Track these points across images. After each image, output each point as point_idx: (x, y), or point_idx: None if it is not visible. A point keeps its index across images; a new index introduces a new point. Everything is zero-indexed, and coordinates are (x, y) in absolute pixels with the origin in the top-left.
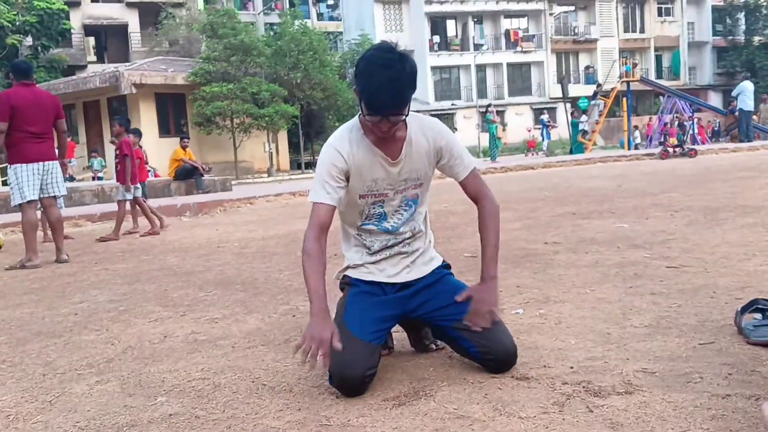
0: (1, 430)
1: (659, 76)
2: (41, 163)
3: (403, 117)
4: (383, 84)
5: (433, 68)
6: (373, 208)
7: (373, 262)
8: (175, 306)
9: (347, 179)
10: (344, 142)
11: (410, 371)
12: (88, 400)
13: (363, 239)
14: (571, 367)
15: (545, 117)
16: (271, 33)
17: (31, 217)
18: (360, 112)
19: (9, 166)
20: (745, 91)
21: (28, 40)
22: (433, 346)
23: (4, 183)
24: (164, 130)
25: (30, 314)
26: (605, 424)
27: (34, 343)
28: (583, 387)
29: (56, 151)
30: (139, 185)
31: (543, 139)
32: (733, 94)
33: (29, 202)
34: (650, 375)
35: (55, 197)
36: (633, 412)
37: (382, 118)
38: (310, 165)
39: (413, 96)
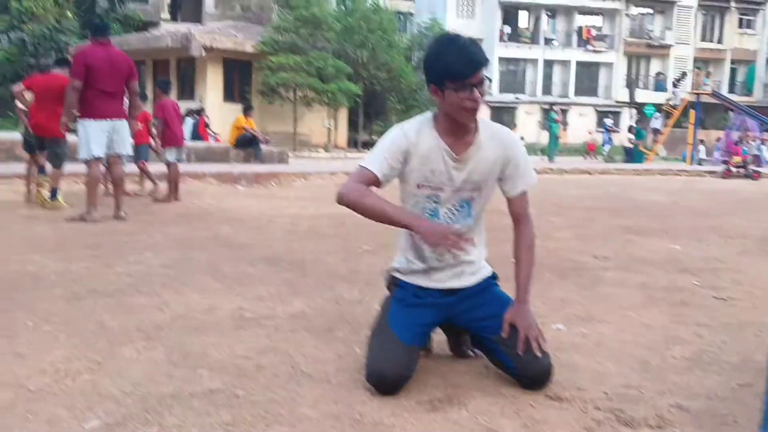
0: (51, 384)
1: (732, 90)
2: (110, 120)
3: (486, 85)
4: (458, 49)
5: (501, 59)
6: (428, 201)
7: (422, 270)
8: (224, 278)
9: (405, 162)
10: (413, 127)
11: (446, 376)
12: (135, 366)
13: (418, 239)
14: (606, 393)
15: (609, 121)
16: (343, 8)
17: (95, 173)
18: (434, 111)
19: (79, 120)
20: None
21: None
22: (471, 353)
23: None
24: (229, 96)
25: (86, 269)
26: None
27: (87, 300)
28: (615, 415)
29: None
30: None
31: (603, 144)
32: None
33: (96, 158)
34: (684, 412)
35: (119, 155)
36: None
37: (469, 85)
38: (367, 144)
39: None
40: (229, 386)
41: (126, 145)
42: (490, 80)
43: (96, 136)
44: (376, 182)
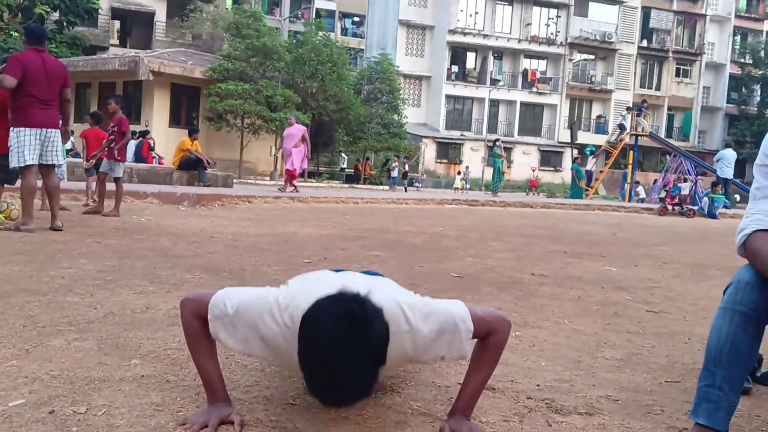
0: None
1: (669, 135)
2: (43, 129)
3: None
4: (333, 380)
5: (448, 97)
6: None
7: None
8: (161, 283)
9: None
10: (271, 341)
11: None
12: (64, 354)
13: None
14: (538, 385)
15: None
16: (294, 40)
17: (30, 182)
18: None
19: (12, 129)
20: (725, 159)
21: (55, 15)
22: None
23: None
24: (175, 121)
25: (18, 272)
26: None
27: (18, 298)
28: (546, 404)
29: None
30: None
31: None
32: (714, 159)
33: (29, 166)
34: (613, 402)
35: (53, 165)
36: None
37: None
38: (314, 175)
39: None
40: (161, 373)
41: (59, 156)
42: None
43: (29, 144)
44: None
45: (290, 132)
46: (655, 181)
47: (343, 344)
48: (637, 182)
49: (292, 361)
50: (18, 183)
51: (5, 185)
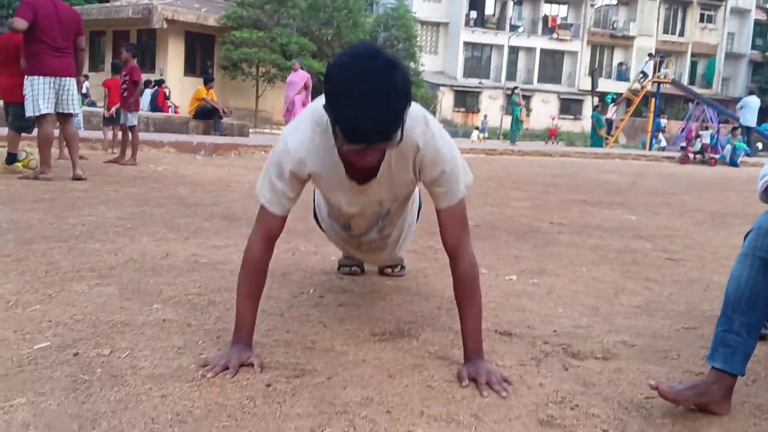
0: (0, 313)
1: (692, 82)
2: (57, 78)
3: (396, 143)
4: (365, 103)
5: (466, 44)
6: (339, 219)
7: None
8: (179, 230)
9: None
10: (304, 147)
11: (399, 314)
12: (87, 299)
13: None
14: (555, 331)
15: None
16: None
17: (47, 131)
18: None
19: (26, 77)
20: (748, 106)
21: None
22: (389, 270)
23: None
24: (190, 69)
25: (38, 219)
26: (578, 381)
27: (40, 244)
28: (563, 348)
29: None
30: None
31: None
32: (738, 106)
33: (45, 115)
34: (629, 347)
35: (71, 114)
36: (606, 376)
37: (365, 147)
38: None
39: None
40: (182, 317)
41: (75, 104)
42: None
43: (43, 92)
44: (282, 221)
45: (292, 79)
46: (683, 129)
47: (371, 70)
48: (660, 129)
49: (324, 162)
50: (35, 132)
51: (23, 134)
